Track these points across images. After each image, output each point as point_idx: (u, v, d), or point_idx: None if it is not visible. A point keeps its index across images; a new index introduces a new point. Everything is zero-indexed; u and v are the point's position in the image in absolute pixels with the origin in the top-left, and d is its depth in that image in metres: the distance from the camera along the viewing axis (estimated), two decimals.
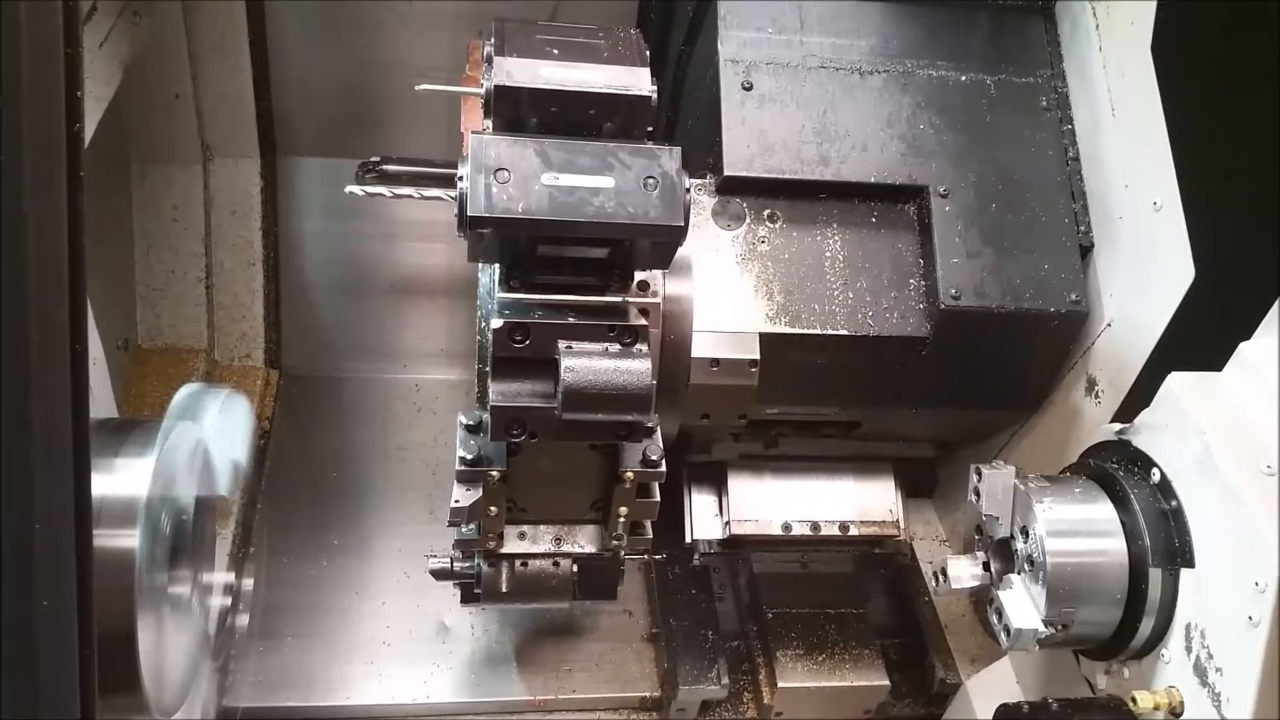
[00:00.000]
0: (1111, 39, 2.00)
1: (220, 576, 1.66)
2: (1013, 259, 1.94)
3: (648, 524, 1.74)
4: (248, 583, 1.69)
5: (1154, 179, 1.85)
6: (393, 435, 2.87)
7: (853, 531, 2.27)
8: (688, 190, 1.43)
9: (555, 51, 1.50)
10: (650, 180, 1.41)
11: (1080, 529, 1.63)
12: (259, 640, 2.34)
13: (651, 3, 2.59)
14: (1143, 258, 1.90)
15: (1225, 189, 1.80)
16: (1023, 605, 1.62)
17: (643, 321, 1.48)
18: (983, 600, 1.75)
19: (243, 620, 1.72)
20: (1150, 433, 1.64)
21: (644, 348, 1.47)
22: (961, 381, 2.03)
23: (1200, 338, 1.66)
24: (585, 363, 1.41)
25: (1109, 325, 1.97)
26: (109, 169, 2.55)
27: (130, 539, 1.31)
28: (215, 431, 1.59)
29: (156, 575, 1.37)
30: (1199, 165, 1.79)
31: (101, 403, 1.68)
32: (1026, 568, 1.64)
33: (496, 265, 1.55)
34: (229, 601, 1.69)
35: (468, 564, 1.88)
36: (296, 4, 2.61)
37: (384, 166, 2.43)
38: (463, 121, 2.07)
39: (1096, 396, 2.01)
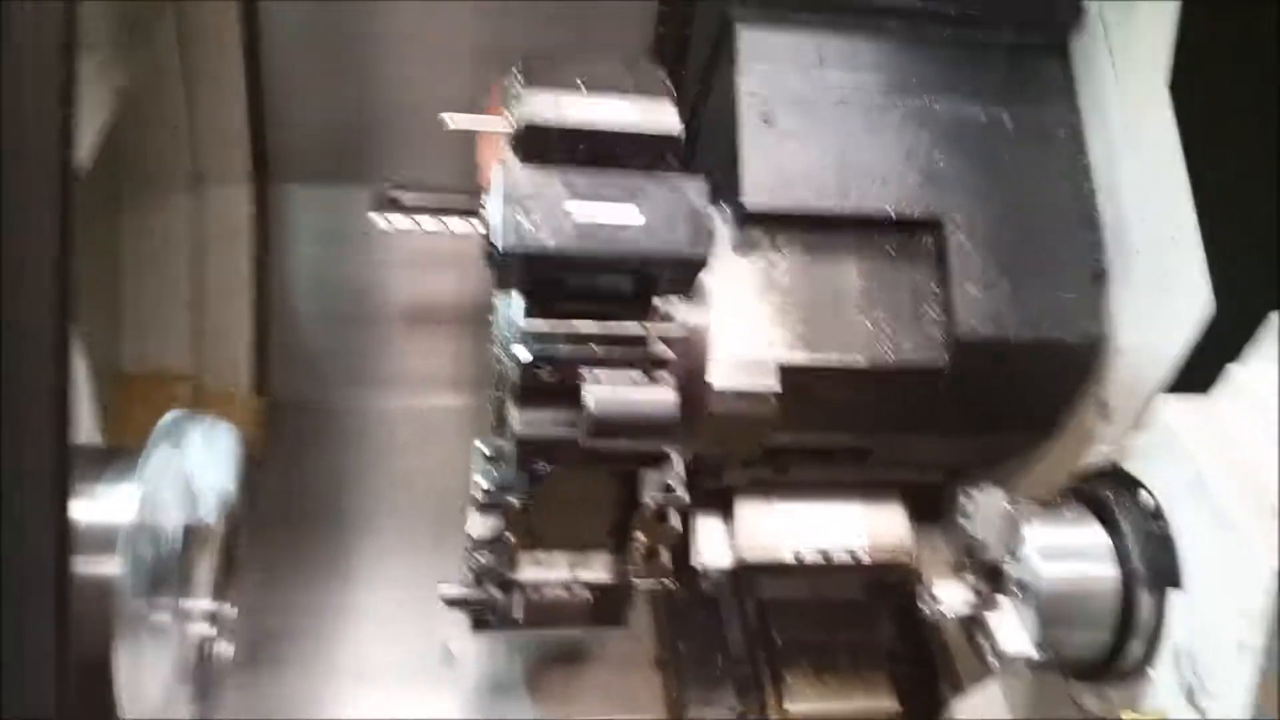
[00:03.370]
0: (1127, 76, 2.01)
1: (203, 604, 1.62)
2: (1029, 290, 1.95)
3: (665, 551, 1.75)
4: (232, 611, 1.67)
5: (1171, 213, 1.86)
6: (382, 462, 2.86)
7: (864, 560, 2.26)
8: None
9: (581, 88, 1.52)
10: (676, 211, 1.42)
11: (1071, 552, 1.63)
12: (265, 667, 2.33)
13: (665, 34, 2.61)
14: (1160, 289, 1.90)
15: (1244, 223, 1.81)
16: (1013, 629, 1.62)
17: (667, 350, 1.49)
18: (971, 623, 1.74)
19: (227, 649, 1.68)
20: (1140, 456, 1.64)
21: (667, 376, 1.48)
22: (977, 409, 2.03)
23: (1218, 367, 1.67)
24: (610, 391, 1.42)
25: (1124, 354, 1.98)
26: (98, 193, 2.52)
27: (111, 566, 1.28)
28: (200, 458, 1.56)
29: (137, 603, 1.35)
30: (1218, 199, 1.81)
31: (85, 428, 1.66)
32: (1017, 591, 1.63)
33: (514, 293, 1.56)
34: (213, 630, 1.65)
35: (481, 591, 1.88)
36: (293, 31, 2.61)
37: (396, 194, 2.42)
38: (479, 152, 2.08)
39: (1109, 421, 2.01)
